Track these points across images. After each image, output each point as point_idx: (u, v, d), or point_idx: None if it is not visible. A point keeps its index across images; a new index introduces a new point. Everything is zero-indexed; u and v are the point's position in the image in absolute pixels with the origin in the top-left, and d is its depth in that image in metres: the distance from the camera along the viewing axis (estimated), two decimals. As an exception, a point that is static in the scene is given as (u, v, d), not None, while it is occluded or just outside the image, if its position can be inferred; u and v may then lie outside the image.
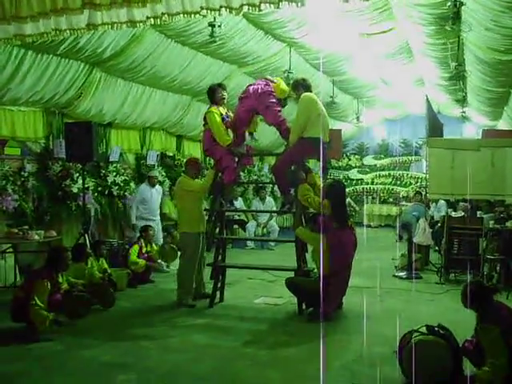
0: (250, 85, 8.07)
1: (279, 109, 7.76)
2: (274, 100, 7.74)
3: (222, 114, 8.00)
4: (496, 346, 4.52)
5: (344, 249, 7.19)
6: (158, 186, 11.37)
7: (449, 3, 7.53)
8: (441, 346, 4.84)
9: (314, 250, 7.47)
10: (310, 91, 7.73)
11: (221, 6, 4.91)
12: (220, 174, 8.08)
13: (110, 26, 5.46)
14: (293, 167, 7.85)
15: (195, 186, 8.09)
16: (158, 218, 11.42)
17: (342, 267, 7.19)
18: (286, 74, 11.65)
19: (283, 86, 7.88)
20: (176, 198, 8.56)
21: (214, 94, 8.15)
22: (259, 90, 7.80)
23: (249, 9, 4.94)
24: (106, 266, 8.49)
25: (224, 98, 8.18)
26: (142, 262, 9.39)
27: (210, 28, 8.44)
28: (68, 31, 5.54)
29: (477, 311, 4.93)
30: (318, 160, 7.65)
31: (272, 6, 4.90)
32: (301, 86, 7.75)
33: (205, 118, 8.06)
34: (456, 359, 4.83)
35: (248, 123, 8.05)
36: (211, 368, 5.46)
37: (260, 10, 5.05)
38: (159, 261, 10.08)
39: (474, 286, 5.07)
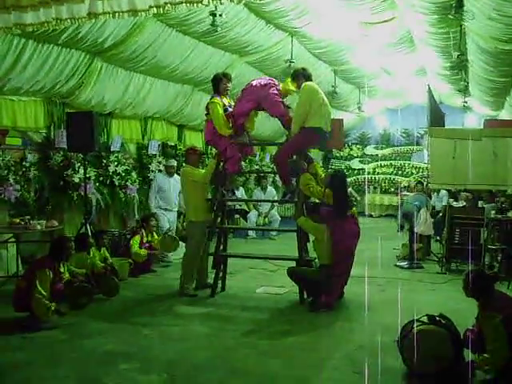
0: (255, 79, 8.07)
1: (281, 100, 7.75)
2: (277, 92, 7.72)
3: (224, 105, 7.98)
4: (496, 334, 4.55)
5: (346, 239, 7.19)
6: (175, 176, 11.05)
7: (451, -8, 7.51)
8: (442, 336, 4.86)
9: (315, 240, 7.48)
10: (311, 80, 7.71)
11: (223, -5, 4.89)
12: (222, 164, 8.08)
13: (111, 15, 5.42)
14: (294, 157, 7.85)
15: (197, 175, 8.12)
16: (176, 208, 11.32)
17: (344, 257, 7.20)
18: (287, 64, 11.63)
19: (291, 86, 7.83)
20: (181, 187, 8.60)
21: (218, 84, 8.12)
22: (263, 82, 7.82)
23: (250, -3, 4.93)
24: (107, 254, 8.51)
25: (228, 89, 8.16)
26: (143, 252, 9.41)
27: (211, 17, 8.40)
28: (69, 20, 5.50)
29: (478, 300, 4.95)
30: (320, 149, 7.67)
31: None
32: (301, 75, 7.73)
33: (207, 108, 8.04)
34: (457, 348, 4.85)
35: (247, 115, 8.02)
36: (213, 357, 5.48)
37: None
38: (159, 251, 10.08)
39: (476, 274, 5.08)
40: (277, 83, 7.84)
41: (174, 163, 11.30)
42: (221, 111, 7.86)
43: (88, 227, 8.88)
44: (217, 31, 8.62)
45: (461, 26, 9.50)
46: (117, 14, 5.38)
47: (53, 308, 6.22)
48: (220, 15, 8.34)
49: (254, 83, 7.89)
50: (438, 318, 5.04)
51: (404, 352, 4.99)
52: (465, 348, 4.96)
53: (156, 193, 10.92)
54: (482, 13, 8.25)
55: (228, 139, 7.89)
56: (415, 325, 5.02)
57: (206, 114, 8.07)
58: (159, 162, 12.37)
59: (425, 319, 5.06)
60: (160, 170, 11.89)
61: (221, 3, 5.11)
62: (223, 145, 7.92)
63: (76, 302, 6.96)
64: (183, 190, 8.60)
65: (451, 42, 10.19)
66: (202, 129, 14.23)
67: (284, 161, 7.84)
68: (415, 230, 10.67)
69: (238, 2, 5.01)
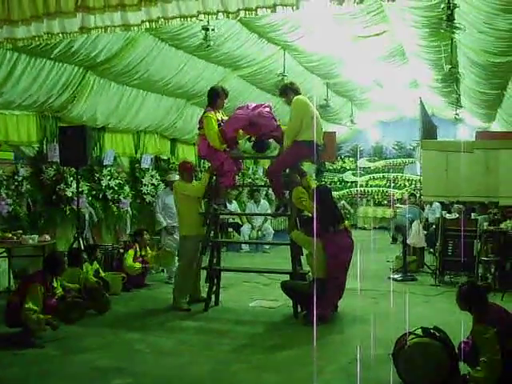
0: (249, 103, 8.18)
1: (273, 117, 7.81)
2: (269, 110, 7.82)
3: (217, 120, 7.97)
4: (490, 346, 4.53)
5: (339, 252, 7.18)
6: None
7: (442, 5, 7.54)
8: (436, 348, 4.84)
9: (309, 254, 7.47)
10: (299, 93, 7.75)
11: (218, 11, 4.90)
12: (216, 178, 8.06)
13: (103, 30, 5.43)
14: (287, 170, 7.87)
15: (190, 189, 8.12)
16: None
17: (338, 271, 7.19)
18: (280, 78, 11.66)
19: None
20: (175, 201, 8.57)
21: (216, 99, 8.08)
22: (254, 104, 7.99)
23: (245, 13, 4.93)
24: (97, 266, 8.46)
25: (223, 105, 8.16)
26: (138, 264, 9.37)
27: (203, 32, 8.43)
28: (60, 35, 5.50)
29: (472, 313, 4.93)
30: (313, 163, 7.68)
31: (268, 10, 4.89)
32: (290, 89, 7.79)
33: (200, 122, 8.02)
34: (452, 361, 4.83)
35: (237, 131, 8.03)
36: (207, 372, 5.45)
37: (256, 14, 5.04)
38: (153, 266, 10.04)
39: (468, 287, 5.07)
40: (270, 106, 7.96)
41: (176, 177, 9.91)
42: (216, 126, 7.84)
43: (81, 241, 8.84)
44: (209, 46, 8.60)
45: (452, 39, 9.56)
46: (109, 29, 5.39)
47: (43, 320, 6.15)
48: (213, 29, 8.35)
49: (249, 104, 8.04)
50: (432, 331, 5.02)
51: (399, 365, 4.97)
52: (460, 360, 4.95)
53: (162, 210, 10.28)
54: (472, 26, 8.31)
55: (224, 153, 7.89)
56: (409, 338, 5.00)
57: (199, 128, 8.04)
58: (152, 176, 12.36)
59: (419, 332, 5.05)
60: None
61: (216, 18, 5.11)
62: (219, 159, 7.89)
63: (68, 316, 6.91)
64: (175, 204, 8.55)
65: (443, 55, 10.24)
66: (195, 142, 14.32)
67: (277, 174, 7.88)
68: (407, 241, 10.68)
69: (233, 17, 5.01)
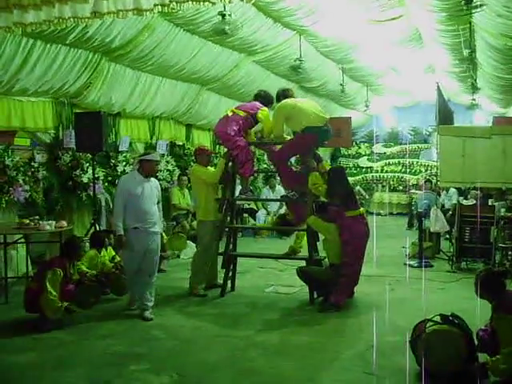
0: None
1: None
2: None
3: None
4: (511, 335, 4.49)
5: (355, 239, 7.15)
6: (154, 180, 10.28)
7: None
8: (455, 336, 4.81)
9: (325, 239, 7.46)
10: (271, 103, 8.24)
11: (232, -7, 4.84)
12: (237, 168, 8.07)
13: (115, 15, 5.38)
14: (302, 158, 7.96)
15: (206, 174, 8.12)
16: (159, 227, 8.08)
17: (354, 257, 7.18)
18: (297, 62, 11.59)
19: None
20: (192, 186, 8.62)
21: (277, 100, 8.16)
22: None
23: (261, -5, 4.84)
24: (113, 253, 8.51)
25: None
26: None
27: (219, 17, 8.37)
28: (71, 19, 5.45)
29: (491, 301, 4.90)
30: (322, 146, 7.91)
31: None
32: (281, 96, 8.07)
33: (253, 112, 8.04)
34: (470, 348, 4.80)
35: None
36: (223, 357, 5.47)
37: (271, -3, 4.97)
38: (169, 252, 10.06)
39: (487, 274, 5.03)
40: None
41: (157, 157, 7.39)
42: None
43: (97, 227, 8.88)
44: (226, 32, 8.55)
45: (470, 22, 9.44)
46: (121, 13, 5.32)
47: (63, 307, 6.22)
48: (229, 15, 8.29)
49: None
50: (450, 318, 5.00)
51: (417, 352, 4.95)
52: (477, 348, 4.92)
53: (122, 206, 6.80)
54: (491, 9, 8.19)
55: (245, 142, 7.91)
56: (428, 324, 4.98)
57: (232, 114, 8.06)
58: (167, 162, 12.38)
59: (438, 319, 5.02)
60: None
61: (230, 2, 5.05)
62: (243, 146, 7.88)
63: (84, 301, 6.95)
64: (193, 189, 8.58)
65: (461, 39, 10.12)
66: (210, 128, 14.32)
67: (281, 161, 8.04)
68: (431, 229, 10.62)
69: (247, 0, 4.94)
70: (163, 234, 9.91)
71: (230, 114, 8.04)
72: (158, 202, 7.08)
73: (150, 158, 7.01)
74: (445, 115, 11.45)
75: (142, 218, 6.80)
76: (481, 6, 7.67)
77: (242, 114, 7.97)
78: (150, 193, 6.95)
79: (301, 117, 7.60)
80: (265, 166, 16.33)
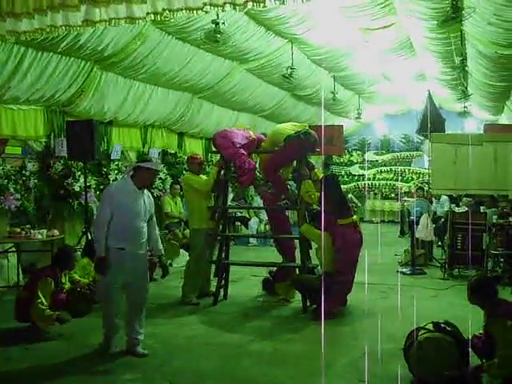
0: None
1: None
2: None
3: None
4: (508, 339, 4.49)
5: (348, 247, 7.16)
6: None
7: (450, -3, 7.50)
8: (448, 343, 4.81)
9: (318, 247, 7.45)
10: None
11: (224, 2, 4.82)
12: (237, 174, 8.13)
13: (107, 23, 5.38)
14: (294, 164, 7.95)
15: (199, 182, 8.11)
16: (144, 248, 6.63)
17: (347, 266, 7.18)
18: (288, 71, 11.62)
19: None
20: (184, 195, 8.61)
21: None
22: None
23: (253, 5, 4.84)
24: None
25: None
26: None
27: (212, 25, 8.40)
28: (64, 27, 5.45)
29: (483, 307, 4.90)
30: (312, 154, 8.04)
31: (277, 1, 4.83)
32: None
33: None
34: (463, 356, 4.80)
35: None
36: (216, 366, 5.45)
37: (265, 6, 4.96)
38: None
39: (480, 281, 5.04)
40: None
41: (158, 166, 6.46)
42: None
43: (89, 236, 8.85)
44: (218, 41, 8.57)
45: (461, 31, 9.49)
46: (114, 22, 5.34)
47: (54, 316, 6.17)
48: (223, 23, 8.31)
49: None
50: (443, 325, 4.99)
51: (410, 360, 4.95)
52: (472, 354, 4.91)
53: (108, 218, 5.61)
54: (481, 18, 8.25)
55: (245, 152, 7.97)
56: (420, 332, 4.97)
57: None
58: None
59: (430, 326, 5.02)
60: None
61: (223, 10, 5.06)
62: (245, 157, 7.96)
63: (76, 309, 6.89)
64: (186, 197, 8.58)
65: (452, 47, 10.18)
66: (202, 136, 14.33)
67: (270, 171, 8.15)
68: (416, 235, 10.64)
69: (240, 9, 4.95)
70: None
71: (240, 128, 8.21)
72: (151, 217, 5.96)
73: (149, 166, 5.76)
74: (436, 123, 11.48)
75: (130, 238, 5.62)
76: (465, 16, 7.74)
77: (253, 136, 8.20)
78: (143, 207, 5.76)
79: (281, 133, 7.87)
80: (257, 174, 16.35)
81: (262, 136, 8.40)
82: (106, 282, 5.66)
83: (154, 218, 6.08)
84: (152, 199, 6.10)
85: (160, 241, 6.19)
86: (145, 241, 5.81)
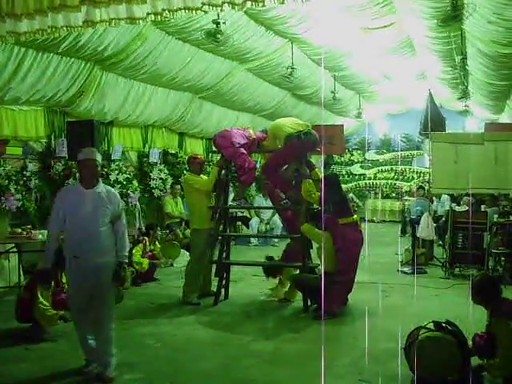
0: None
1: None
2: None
3: None
4: (510, 339, 4.49)
5: (349, 247, 7.16)
6: (101, 189, 5.43)
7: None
8: (449, 343, 4.80)
9: (319, 247, 7.45)
10: None
11: (223, 2, 4.81)
12: (238, 174, 8.16)
13: (108, 23, 5.38)
14: (294, 165, 7.96)
15: (199, 182, 8.12)
16: (111, 256, 5.48)
17: (347, 265, 7.18)
18: (288, 70, 11.62)
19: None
20: (185, 195, 8.62)
21: None
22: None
23: (252, 4, 4.83)
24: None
25: None
26: (145, 261, 9.33)
27: (213, 25, 8.39)
28: (65, 28, 5.46)
29: (486, 307, 4.90)
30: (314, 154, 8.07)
31: (276, 1, 4.82)
32: None
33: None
34: (464, 355, 4.80)
35: None
36: (217, 366, 5.45)
37: (264, 6, 4.95)
38: (162, 260, 10.05)
39: (482, 280, 5.04)
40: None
41: (93, 154, 5.27)
42: None
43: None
44: (218, 41, 8.57)
45: (461, 29, 9.49)
46: (114, 22, 5.33)
47: (57, 315, 6.16)
48: (223, 23, 8.31)
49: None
50: (444, 325, 4.99)
51: (411, 359, 4.94)
52: (473, 353, 4.91)
53: (57, 226, 5.20)
54: (481, 16, 8.25)
55: (246, 152, 8.01)
56: (421, 332, 4.97)
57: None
58: (160, 170, 12.38)
59: (431, 326, 5.01)
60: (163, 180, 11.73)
61: (221, 10, 5.06)
62: (247, 156, 8.03)
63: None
64: (186, 197, 8.60)
65: (452, 46, 10.18)
66: (203, 136, 14.33)
67: (271, 171, 8.15)
68: (417, 234, 10.64)
69: (239, 8, 4.94)
70: (157, 244, 9.90)
71: (240, 128, 8.19)
72: (117, 219, 5.16)
73: (81, 157, 5.19)
74: (437, 122, 11.48)
75: (83, 244, 5.01)
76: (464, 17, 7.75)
77: (253, 135, 8.19)
78: (95, 208, 5.03)
79: (282, 130, 7.86)
80: (257, 173, 16.35)
81: (263, 134, 8.40)
82: (71, 294, 5.25)
83: (123, 220, 5.26)
84: (115, 198, 5.21)
85: (126, 247, 5.25)
86: (106, 247, 5.08)
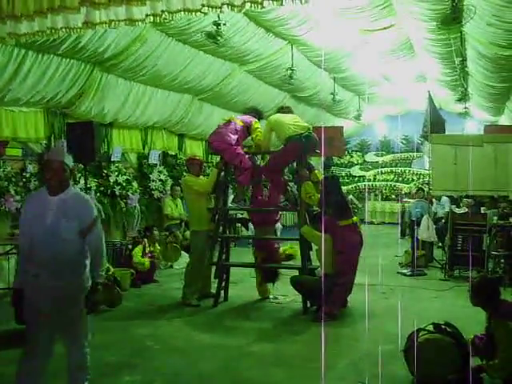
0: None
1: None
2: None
3: None
4: (510, 340, 4.49)
5: (349, 249, 7.17)
6: (69, 194, 4.80)
7: (450, -2, 7.51)
8: (448, 344, 4.81)
9: (318, 249, 7.45)
10: (261, 118, 8.59)
11: (222, 4, 4.81)
12: (236, 174, 8.21)
13: (107, 25, 5.38)
14: (294, 165, 7.96)
15: (199, 184, 8.12)
16: (83, 272, 4.81)
17: (347, 267, 7.18)
18: (288, 72, 11.63)
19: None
20: (184, 197, 8.63)
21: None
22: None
23: (251, 6, 4.83)
24: (108, 265, 8.47)
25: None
26: (146, 261, 9.35)
27: (214, 26, 8.41)
28: (64, 30, 5.45)
29: (486, 309, 4.89)
30: (311, 155, 8.09)
31: (275, 2, 4.83)
32: (279, 111, 8.38)
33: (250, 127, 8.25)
34: (464, 357, 4.79)
35: None
36: (217, 368, 5.44)
37: (263, 7, 4.94)
38: (162, 262, 10.06)
39: (482, 281, 5.04)
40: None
41: (58, 155, 4.67)
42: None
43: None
44: (218, 43, 8.59)
45: (461, 32, 9.49)
46: (113, 23, 5.33)
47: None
48: (224, 24, 8.32)
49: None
50: (443, 327, 4.99)
51: (410, 361, 4.94)
52: (473, 354, 4.91)
53: (25, 239, 4.20)
54: (481, 19, 8.25)
55: (242, 152, 8.06)
56: (421, 334, 4.97)
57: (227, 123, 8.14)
58: (160, 172, 12.37)
59: (430, 328, 5.02)
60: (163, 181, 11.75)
61: (221, 11, 5.06)
62: (242, 156, 8.01)
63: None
64: (186, 199, 8.60)
65: (452, 48, 10.18)
66: (203, 138, 14.32)
67: (273, 173, 8.12)
68: (418, 236, 10.64)
69: (238, 10, 4.94)
70: (157, 245, 9.89)
71: (226, 122, 8.05)
72: (89, 230, 4.16)
73: (45, 157, 4.44)
74: (436, 124, 11.49)
75: (45, 261, 4.00)
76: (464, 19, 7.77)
77: (241, 124, 8.10)
78: (57, 218, 4.07)
79: (282, 129, 7.81)
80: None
81: (250, 118, 8.34)
82: (28, 321, 4.26)
83: (98, 233, 4.28)
84: (86, 206, 4.28)
85: (101, 264, 4.32)
86: (74, 265, 4.12)
